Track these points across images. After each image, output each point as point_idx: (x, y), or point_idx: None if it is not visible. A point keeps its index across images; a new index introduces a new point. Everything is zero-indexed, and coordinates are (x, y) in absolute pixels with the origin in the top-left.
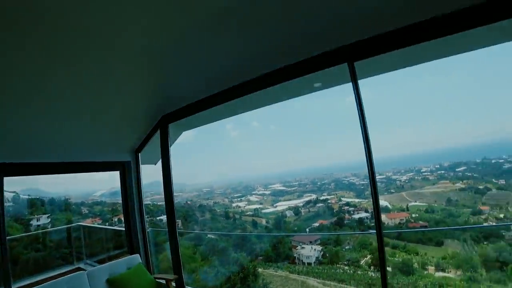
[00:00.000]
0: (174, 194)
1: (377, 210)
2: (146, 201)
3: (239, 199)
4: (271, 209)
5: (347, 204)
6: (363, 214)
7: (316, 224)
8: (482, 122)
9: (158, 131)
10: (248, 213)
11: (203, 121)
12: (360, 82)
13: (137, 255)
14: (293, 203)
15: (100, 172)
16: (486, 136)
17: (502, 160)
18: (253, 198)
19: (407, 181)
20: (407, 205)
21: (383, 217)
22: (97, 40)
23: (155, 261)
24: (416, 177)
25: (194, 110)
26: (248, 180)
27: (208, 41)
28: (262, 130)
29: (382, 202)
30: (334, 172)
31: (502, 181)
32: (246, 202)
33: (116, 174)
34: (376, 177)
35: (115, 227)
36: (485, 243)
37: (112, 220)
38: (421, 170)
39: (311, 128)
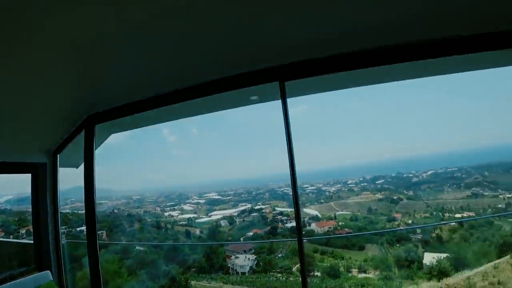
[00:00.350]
0: (100, 201)
1: (297, 218)
2: (65, 209)
3: (172, 208)
4: (205, 219)
5: (281, 213)
6: (295, 223)
7: (251, 233)
8: (396, 141)
9: (83, 131)
10: (181, 222)
11: (136, 124)
12: (300, 98)
13: (48, 272)
14: (228, 212)
15: (5, 175)
16: (399, 154)
17: (411, 175)
18: (187, 207)
19: (335, 192)
20: (335, 214)
21: (314, 225)
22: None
23: (71, 278)
24: (343, 189)
25: (127, 112)
26: (182, 188)
27: (145, 43)
28: (200, 137)
29: (313, 212)
30: (269, 182)
31: (411, 192)
32: (179, 211)
33: (27, 178)
34: (308, 188)
35: (23, 240)
36: (397, 245)
37: (18, 232)
38: (348, 182)
39: (249, 138)
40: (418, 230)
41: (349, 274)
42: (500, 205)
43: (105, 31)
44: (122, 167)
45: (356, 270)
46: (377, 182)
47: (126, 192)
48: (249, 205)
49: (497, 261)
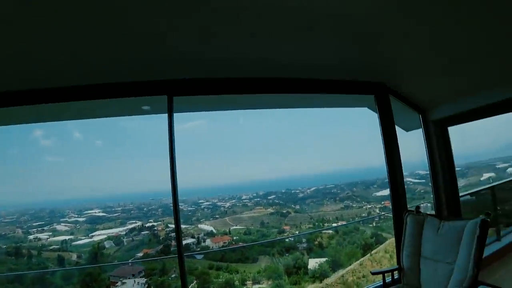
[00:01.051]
0: None
1: (178, 234)
2: None
3: (40, 228)
4: (85, 240)
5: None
6: (189, 240)
7: (140, 254)
8: (286, 162)
9: None
10: (52, 247)
11: None
12: (199, 113)
13: None
14: (114, 231)
15: None
16: (287, 173)
17: (297, 191)
18: (61, 227)
19: (230, 207)
20: (230, 229)
21: (208, 241)
22: None
23: None
24: (237, 204)
25: None
26: (56, 204)
27: (29, 27)
28: (85, 143)
29: (208, 227)
30: (162, 197)
31: (297, 206)
32: (51, 233)
33: None
34: (204, 204)
35: None
36: (286, 254)
37: None
38: (242, 198)
39: (141, 149)
40: (304, 239)
41: (244, 287)
42: (363, 214)
43: None
44: None
45: (251, 282)
46: (269, 198)
47: None
48: (139, 223)
49: (361, 259)
